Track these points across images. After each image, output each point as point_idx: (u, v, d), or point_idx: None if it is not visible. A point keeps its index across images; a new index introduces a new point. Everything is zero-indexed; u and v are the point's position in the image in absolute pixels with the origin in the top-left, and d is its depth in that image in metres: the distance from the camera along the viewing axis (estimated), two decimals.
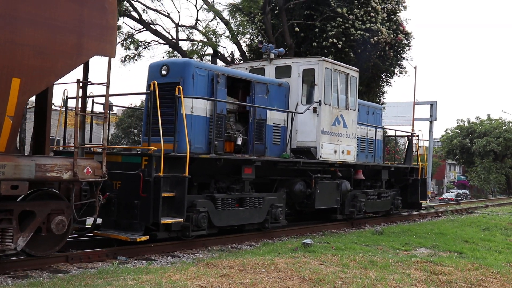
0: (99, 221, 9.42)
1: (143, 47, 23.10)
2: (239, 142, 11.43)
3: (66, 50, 7.34)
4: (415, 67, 29.89)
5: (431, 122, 38.59)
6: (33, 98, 8.10)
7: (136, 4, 21.56)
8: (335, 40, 20.59)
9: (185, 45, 23.15)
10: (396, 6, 22.96)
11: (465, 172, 68.39)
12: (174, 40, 22.49)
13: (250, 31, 23.71)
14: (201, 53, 22.55)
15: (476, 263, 8.66)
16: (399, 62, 23.74)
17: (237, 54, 23.61)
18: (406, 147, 18.63)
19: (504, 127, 55.38)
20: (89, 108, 10.68)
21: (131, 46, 22.71)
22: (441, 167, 74.06)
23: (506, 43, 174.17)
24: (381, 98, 25.80)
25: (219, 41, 22.80)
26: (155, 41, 22.96)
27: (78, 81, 8.05)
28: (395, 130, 18.88)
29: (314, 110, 12.68)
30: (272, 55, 13.41)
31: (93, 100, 10.66)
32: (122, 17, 20.22)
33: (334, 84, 13.21)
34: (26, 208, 7.43)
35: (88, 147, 10.82)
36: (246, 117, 11.76)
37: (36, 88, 7.24)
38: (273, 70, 13.32)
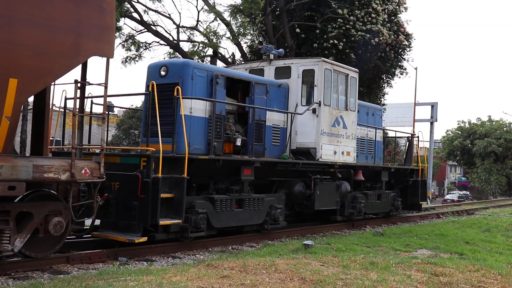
0: (97, 222, 9.40)
1: (144, 48, 23.09)
2: (239, 143, 11.39)
3: (63, 51, 7.30)
4: (416, 68, 29.99)
5: (431, 123, 38.60)
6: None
7: (137, 5, 21.58)
8: (336, 41, 20.58)
9: (186, 46, 23.17)
10: (397, 7, 22.95)
11: (465, 173, 68.32)
12: (175, 41, 22.47)
13: (251, 32, 23.71)
14: (202, 54, 22.54)
15: (477, 265, 8.64)
16: (399, 63, 23.74)
17: (238, 55, 23.62)
18: (406, 148, 18.60)
19: (505, 128, 55.26)
20: (89, 109, 10.68)
21: (132, 47, 22.68)
22: (442, 168, 73.99)
23: (507, 44, 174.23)
24: (382, 99, 25.78)
25: (220, 42, 22.80)
26: (156, 42, 22.96)
27: (76, 81, 8.01)
28: (395, 131, 18.85)
29: (314, 111, 12.64)
30: (271, 56, 13.38)
31: (92, 100, 10.63)
32: (123, 18, 20.21)
33: (334, 85, 13.17)
34: (24, 209, 7.39)
35: (87, 148, 10.80)
36: (245, 118, 11.72)
37: (33, 88, 7.21)
38: (273, 71, 13.29)
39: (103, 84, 8.01)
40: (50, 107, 10.16)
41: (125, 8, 20.24)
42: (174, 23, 22.64)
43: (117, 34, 19.57)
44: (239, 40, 22.93)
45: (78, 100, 8.03)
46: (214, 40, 22.33)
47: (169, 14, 23.09)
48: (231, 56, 23.63)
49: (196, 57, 21.72)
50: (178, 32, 22.54)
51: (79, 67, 8.05)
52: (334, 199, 13.30)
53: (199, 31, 22.99)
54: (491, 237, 13.35)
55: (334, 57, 19.98)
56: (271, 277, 6.94)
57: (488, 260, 9.55)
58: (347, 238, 12.04)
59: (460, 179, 76.66)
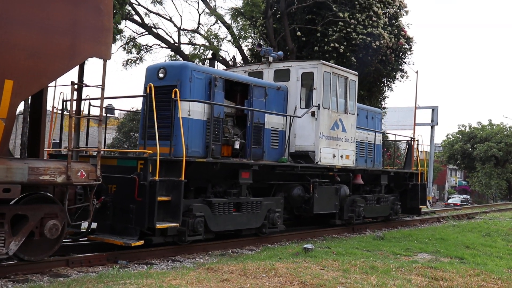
0: (94, 225, 9.34)
1: (145, 50, 23.12)
2: (237, 146, 11.32)
3: (60, 52, 7.24)
4: (416, 72, 29.90)
5: (432, 127, 38.54)
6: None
7: (138, 8, 21.63)
8: (336, 45, 20.57)
9: (187, 49, 23.19)
10: (398, 10, 22.99)
11: (466, 177, 68.23)
12: (176, 44, 22.48)
13: (252, 35, 23.73)
14: (203, 57, 22.54)
15: (477, 269, 8.60)
16: (400, 67, 23.75)
17: (238, 58, 23.62)
18: (406, 152, 18.54)
19: (505, 132, 55.25)
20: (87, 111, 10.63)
21: (133, 50, 22.71)
22: (442, 172, 73.88)
23: (508, 48, 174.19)
24: (383, 102, 25.79)
25: (221, 45, 22.81)
26: (157, 45, 23.01)
27: (72, 83, 7.96)
28: (395, 135, 18.79)
29: (313, 114, 12.58)
30: (270, 59, 13.33)
31: (89, 103, 10.57)
32: (124, 21, 20.21)
33: (333, 88, 13.11)
34: (19, 212, 7.32)
35: (84, 151, 10.74)
36: (244, 120, 11.66)
37: (29, 90, 7.16)
38: (272, 74, 13.23)
39: (100, 86, 7.96)
40: (51, 109, 10.15)
41: (126, 10, 20.22)
42: (175, 25, 22.70)
43: (118, 36, 19.57)
44: (240, 43, 22.93)
45: (75, 102, 7.98)
46: (215, 43, 22.34)
47: (170, 17, 23.26)
48: (232, 59, 23.64)
49: (197, 60, 21.71)
50: (179, 35, 22.57)
51: (76, 69, 8.00)
52: (333, 203, 13.23)
53: (200, 34, 23.03)
54: (491, 241, 13.30)
55: (335, 60, 19.98)
56: (271, 281, 6.92)
57: (488, 264, 9.52)
58: (347, 242, 11.99)
59: (460, 183, 76.54)
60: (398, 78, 24.27)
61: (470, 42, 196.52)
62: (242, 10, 21.61)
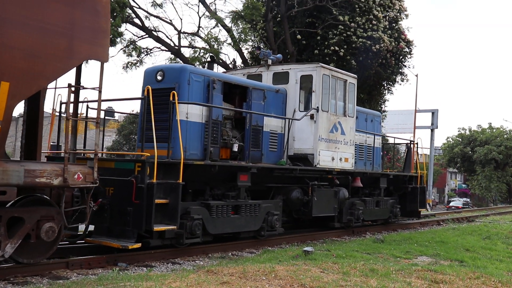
0: (91, 227, 9.30)
1: (145, 53, 23.14)
2: (235, 148, 11.28)
3: (57, 54, 7.21)
4: (416, 75, 29.94)
5: (432, 130, 38.50)
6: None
7: (139, 11, 21.62)
8: (336, 48, 20.57)
9: (187, 52, 23.18)
10: (398, 14, 22.98)
11: (466, 181, 68.16)
12: (176, 47, 22.49)
13: (252, 38, 23.73)
14: (203, 60, 22.53)
15: (477, 272, 8.60)
16: (400, 70, 23.76)
17: (239, 61, 23.62)
18: (405, 155, 18.50)
19: (505, 136, 55.23)
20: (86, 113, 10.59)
21: (133, 53, 22.73)
22: (442, 175, 73.85)
23: (508, 51, 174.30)
24: (383, 106, 25.78)
25: (221, 48, 22.81)
26: (157, 47, 23.02)
27: (69, 85, 7.92)
28: (394, 138, 18.76)
29: (312, 116, 12.55)
30: (269, 61, 13.31)
31: (87, 105, 10.54)
32: (124, 24, 20.24)
33: (332, 91, 13.08)
34: (15, 214, 7.28)
35: (81, 153, 10.70)
36: (242, 123, 11.62)
37: (26, 92, 7.11)
38: (271, 76, 13.21)
39: (97, 88, 7.92)
40: (51, 112, 10.12)
41: (127, 13, 20.26)
42: (176, 29, 22.71)
43: (118, 39, 19.59)
44: (240, 46, 22.93)
45: (72, 104, 7.94)
46: (215, 46, 22.33)
47: (171, 20, 23.19)
48: (232, 62, 23.63)
49: (197, 63, 21.71)
50: (179, 38, 22.59)
51: (74, 71, 7.97)
52: (332, 206, 13.19)
53: (200, 37, 23.03)
54: (491, 244, 13.28)
55: (335, 63, 19.97)
56: (271, 284, 6.92)
57: (488, 267, 9.50)
58: (347, 244, 11.95)
59: (460, 186, 76.53)
60: (398, 82, 24.28)
61: (470, 45, 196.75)
62: (242, 14, 21.60)
